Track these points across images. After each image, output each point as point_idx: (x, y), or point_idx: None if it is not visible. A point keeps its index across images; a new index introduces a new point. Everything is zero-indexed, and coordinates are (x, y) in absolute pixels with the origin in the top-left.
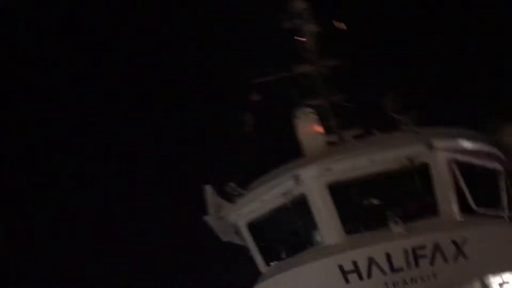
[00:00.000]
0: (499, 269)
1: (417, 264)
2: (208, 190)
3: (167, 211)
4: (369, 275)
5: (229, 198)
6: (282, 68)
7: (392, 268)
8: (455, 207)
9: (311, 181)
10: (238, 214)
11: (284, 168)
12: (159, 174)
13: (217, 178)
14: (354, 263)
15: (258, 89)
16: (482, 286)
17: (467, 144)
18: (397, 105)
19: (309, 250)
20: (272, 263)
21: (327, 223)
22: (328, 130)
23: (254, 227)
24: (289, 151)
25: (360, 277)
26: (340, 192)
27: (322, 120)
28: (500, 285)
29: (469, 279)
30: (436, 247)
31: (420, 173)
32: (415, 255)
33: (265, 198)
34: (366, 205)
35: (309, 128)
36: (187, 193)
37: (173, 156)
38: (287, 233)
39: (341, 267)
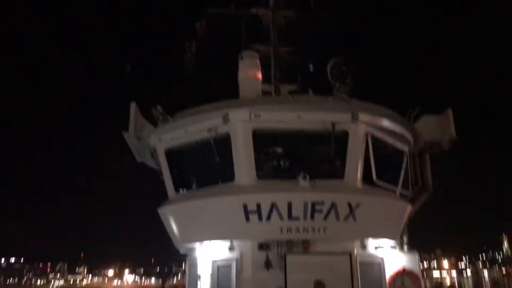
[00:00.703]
0: (379, 235)
1: (312, 216)
2: (133, 107)
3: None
4: (268, 218)
5: (154, 121)
6: (237, 5)
7: (290, 216)
8: (359, 175)
9: (239, 124)
10: (159, 139)
11: (215, 105)
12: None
13: (148, 100)
14: (258, 205)
15: (209, 19)
16: (361, 246)
17: (386, 123)
18: (337, 71)
19: (219, 186)
20: (181, 190)
21: (243, 164)
22: (267, 79)
23: (172, 154)
24: (226, 89)
25: (260, 218)
26: (262, 139)
27: (264, 68)
28: (376, 248)
29: (352, 238)
30: (333, 205)
31: (338, 139)
32: (313, 209)
33: (189, 129)
34: (283, 156)
35: (250, 73)
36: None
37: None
38: (203, 166)
39: (245, 206)
